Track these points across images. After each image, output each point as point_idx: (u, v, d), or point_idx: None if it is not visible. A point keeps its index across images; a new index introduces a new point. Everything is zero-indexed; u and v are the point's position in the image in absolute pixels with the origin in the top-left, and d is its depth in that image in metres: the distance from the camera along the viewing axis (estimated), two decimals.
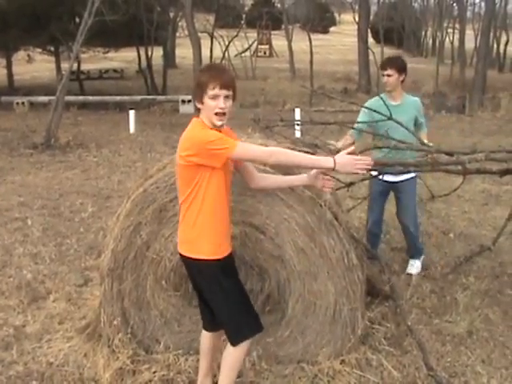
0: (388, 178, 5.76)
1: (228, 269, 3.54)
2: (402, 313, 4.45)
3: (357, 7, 32.55)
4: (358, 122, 5.72)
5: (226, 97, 3.28)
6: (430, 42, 61.22)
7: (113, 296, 4.33)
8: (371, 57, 26.97)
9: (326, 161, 3.36)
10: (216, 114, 3.27)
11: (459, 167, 4.98)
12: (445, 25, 44.90)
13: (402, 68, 5.70)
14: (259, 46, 44.72)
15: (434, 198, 5.32)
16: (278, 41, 47.76)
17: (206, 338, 3.84)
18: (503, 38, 42.81)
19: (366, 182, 6.04)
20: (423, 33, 62.30)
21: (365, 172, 3.53)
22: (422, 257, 6.31)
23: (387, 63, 5.73)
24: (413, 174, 5.91)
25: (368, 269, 4.60)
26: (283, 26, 42.50)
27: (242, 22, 41.76)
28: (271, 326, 4.24)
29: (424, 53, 58.97)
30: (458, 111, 21.24)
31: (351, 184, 5.13)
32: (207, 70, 3.38)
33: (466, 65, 35.59)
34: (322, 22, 53.28)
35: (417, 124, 5.86)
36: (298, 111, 15.79)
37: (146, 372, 4.16)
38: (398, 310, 4.67)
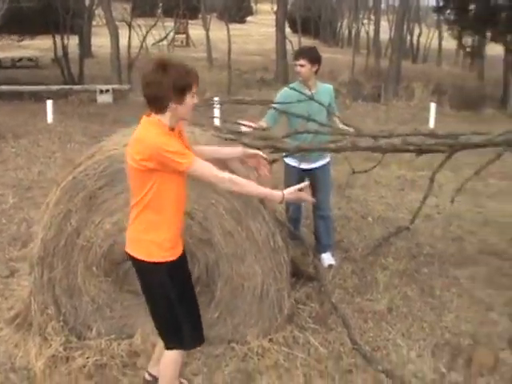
0: (303, 165, 5.86)
1: (176, 272, 3.46)
2: (327, 292, 4.63)
3: None
4: (276, 103, 5.82)
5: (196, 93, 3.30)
6: (346, 32, 62.22)
7: (43, 284, 4.33)
8: (288, 46, 27.26)
9: (275, 194, 3.48)
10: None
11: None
12: (360, 16, 45.78)
13: (314, 58, 5.78)
14: (176, 36, 44.27)
15: (354, 173, 5.45)
16: (195, 30, 47.61)
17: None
18: (416, 30, 44.10)
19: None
20: (339, 23, 63.25)
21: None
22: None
23: (300, 54, 5.82)
24: (327, 160, 6.10)
25: (292, 251, 4.76)
26: (200, 16, 42.42)
27: (159, 11, 41.26)
28: (201, 308, 4.30)
29: (340, 43, 59.91)
30: (374, 100, 21.80)
31: (274, 161, 5.30)
32: (187, 69, 3.28)
33: (381, 55, 36.43)
34: (239, 11, 53.36)
35: (329, 110, 5.91)
36: (216, 99, 15.88)
37: (79, 358, 4.19)
38: (322, 289, 4.87)
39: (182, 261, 3.54)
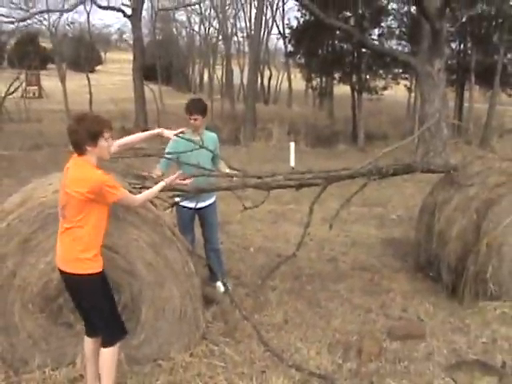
0: (192, 204, 6.45)
1: (105, 279, 4.28)
2: (238, 307, 5.35)
3: (122, 45, 33.10)
4: (169, 153, 6.43)
5: (111, 136, 4.15)
6: (198, 78, 63.59)
7: None
8: (147, 94, 27.77)
9: (160, 185, 4.68)
10: (108, 151, 4.16)
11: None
12: (211, 62, 47.15)
13: (205, 111, 6.54)
14: (28, 87, 43.40)
15: (246, 209, 6.28)
16: (46, 81, 47.03)
17: (87, 343, 4.45)
18: (266, 73, 45.95)
19: None
20: (191, 69, 64.46)
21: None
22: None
23: (193, 109, 6.44)
24: (214, 200, 6.80)
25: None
26: (49, 66, 41.99)
27: (5, 62, 40.43)
28: (129, 332, 4.90)
29: (193, 89, 61.08)
30: (234, 143, 22.82)
31: (176, 204, 6.06)
32: (98, 119, 4.10)
33: (235, 99, 37.82)
34: (89, 60, 53.27)
35: (214, 156, 6.60)
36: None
37: None
38: (234, 304, 5.56)
39: (103, 274, 4.29)
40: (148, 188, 5.27)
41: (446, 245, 6.49)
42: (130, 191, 4.72)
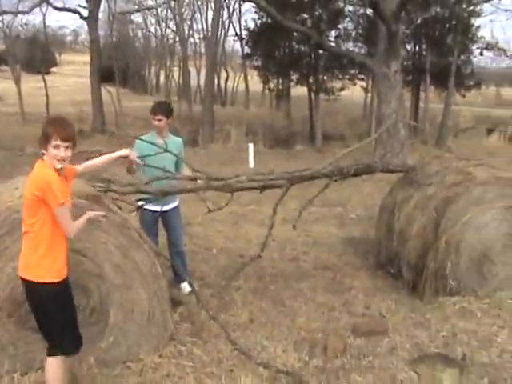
0: (156, 207, 6.50)
1: (62, 291, 4.14)
2: (205, 307, 5.41)
3: (77, 46, 32.77)
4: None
5: (67, 147, 3.91)
6: (154, 80, 63.33)
7: None
8: (105, 96, 27.61)
9: (83, 218, 4.19)
10: (57, 159, 3.92)
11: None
12: (168, 63, 46.95)
13: (170, 112, 6.64)
14: None
15: (210, 211, 6.38)
16: None
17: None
18: (223, 75, 46.02)
19: None
20: (147, 71, 64.19)
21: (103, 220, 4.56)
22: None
23: (157, 109, 6.54)
24: (177, 203, 6.86)
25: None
26: (2, 68, 41.35)
27: None
28: (98, 334, 4.95)
29: (149, 90, 60.83)
30: (192, 145, 22.82)
31: (140, 207, 6.12)
32: (52, 122, 3.99)
33: (192, 101, 37.78)
34: (44, 62, 52.63)
35: (178, 159, 6.66)
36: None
37: None
38: (200, 305, 5.62)
39: (66, 283, 4.18)
40: (114, 192, 5.38)
41: (406, 242, 6.66)
42: (96, 195, 4.78)
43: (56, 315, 4.11)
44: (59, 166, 3.94)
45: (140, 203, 6.33)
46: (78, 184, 4.88)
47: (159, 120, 6.49)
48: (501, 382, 4.79)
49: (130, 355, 5.04)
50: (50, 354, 4.20)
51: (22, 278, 4.08)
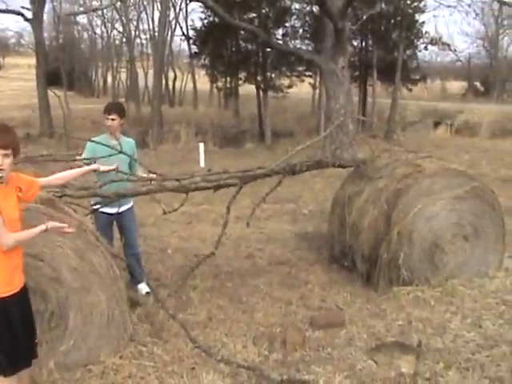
0: (110, 210, 6.52)
1: (11, 307, 3.85)
2: (164, 307, 5.44)
3: (21, 49, 32.22)
4: (86, 158, 6.30)
5: (5, 155, 3.64)
6: (101, 82, 62.66)
7: None
8: (52, 99, 27.18)
9: (39, 228, 3.89)
10: None
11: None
12: (115, 65, 46.55)
13: (123, 112, 6.67)
14: None
15: (165, 213, 6.43)
16: None
17: None
18: (171, 75, 45.78)
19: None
20: (94, 73, 63.44)
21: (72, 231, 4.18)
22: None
23: (111, 109, 6.54)
24: (131, 204, 6.86)
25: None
26: None
27: None
28: (57, 338, 4.93)
29: (96, 93, 60.16)
30: (141, 146, 22.69)
31: (95, 210, 6.13)
32: None
33: (140, 102, 37.57)
34: None
35: (131, 160, 6.66)
36: None
37: None
38: (159, 304, 5.64)
39: (16, 299, 3.89)
40: (69, 196, 5.37)
41: (358, 235, 6.80)
42: (51, 199, 4.76)
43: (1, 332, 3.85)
44: None
45: (95, 206, 6.32)
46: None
47: (113, 120, 6.47)
48: (455, 365, 4.94)
49: (91, 358, 5.03)
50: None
51: None
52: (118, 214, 6.64)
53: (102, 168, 5.39)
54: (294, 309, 6.25)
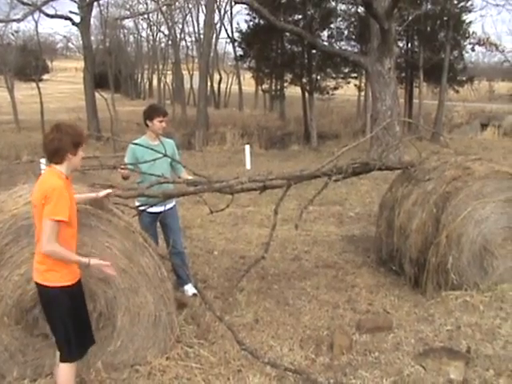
0: (154, 209, 6.52)
1: (74, 294, 4.24)
2: (212, 309, 5.43)
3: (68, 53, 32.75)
4: (131, 163, 6.50)
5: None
6: (147, 84, 63.34)
7: None
8: (98, 102, 27.60)
9: (83, 260, 4.20)
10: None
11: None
12: (160, 67, 47.01)
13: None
14: None
15: (212, 212, 6.47)
16: None
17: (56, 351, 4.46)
18: (216, 77, 46.03)
19: None
20: (139, 76, 64.19)
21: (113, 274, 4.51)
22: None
23: (165, 112, 6.68)
24: (174, 203, 6.89)
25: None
26: None
27: None
28: (105, 339, 4.98)
29: (142, 95, 60.83)
30: (187, 148, 22.89)
31: (142, 211, 6.19)
32: (76, 130, 4.16)
33: (186, 104, 37.83)
34: (36, 70, 52.63)
35: (173, 161, 6.71)
36: (43, 161, 16.15)
37: None
38: (206, 306, 5.66)
39: (77, 286, 4.29)
40: (118, 196, 5.43)
41: (406, 238, 6.70)
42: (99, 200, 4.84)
43: (67, 320, 4.18)
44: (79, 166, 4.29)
45: (140, 207, 6.38)
46: (81, 190, 4.92)
47: (166, 122, 6.63)
48: (506, 372, 4.83)
49: (138, 358, 5.08)
50: (63, 359, 4.27)
51: (35, 282, 4.18)
52: (161, 213, 6.64)
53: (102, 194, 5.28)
54: (341, 312, 6.20)
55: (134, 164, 6.43)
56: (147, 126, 6.59)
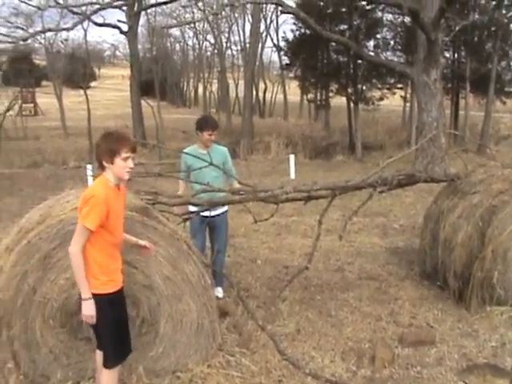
0: (205, 213, 6.71)
1: (115, 302, 4.27)
2: (254, 318, 5.47)
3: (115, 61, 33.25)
4: (184, 171, 6.84)
5: (133, 158, 4.15)
6: (193, 92, 63.84)
7: (2, 342, 4.78)
8: (144, 109, 27.93)
9: (87, 291, 4.07)
10: (127, 171, 4.13)
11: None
12: (206, 75, 47.38)
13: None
14: (23, 105, 43.08)
15: (256, 222, 6.52)
16: (40, 99, 47.22)
17: (97, 355, 4.51)
18: (261, 86, 46.16)
19: None
20: (185, 84, 64.75)
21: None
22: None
23: (215, 125, 6.85)
24: (226, 209, 7.06)
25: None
26: (43, 83, 42.13)
27: None
28: (147, 345, 5.05)
29: (187, 103, 61.31)
30: (232, 156, 22.91)
31: (187, 220, 6.26)
32: (118, 137, 4.14)
33: (231, 112, 38.01)
34: (84, 77, 53.55)
35: (225, 168, 6.89)
36: (89, 167, 16.42)
37: None
38: (249, 315, 5.68)
39: (118, 295, 4.30)
40: (163, 204, 5.51)
41: (451, 252, 6.63)
42: (145, 207, 4.90)
43: (107, 327, 4.22)
44: (127, 177, 4.18)
45: (192, 209, 6.50)
46: (127, 197, 5.00)
47: (214, 135, 6.81)
48: None
49: (179, 365, 5.12)
50: (105, 364, 4.32)
51: None
52: (213, 216, 6.86)
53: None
54: (383, 325, 6.15)
55: (185, 171, 6.78)
56: (197, 134, 6.80)
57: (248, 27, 36.97)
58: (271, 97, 49.83)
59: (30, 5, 25.69)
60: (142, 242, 4.74)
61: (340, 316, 6.43)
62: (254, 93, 40.46)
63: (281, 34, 59.01)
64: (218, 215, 6.94)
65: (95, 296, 4.11)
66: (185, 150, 6.92)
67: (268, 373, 5.12)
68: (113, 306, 4.22)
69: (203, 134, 6.72)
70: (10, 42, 22.68)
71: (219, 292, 6.95)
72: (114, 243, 4.22)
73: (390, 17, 27.36)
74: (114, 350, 4.30)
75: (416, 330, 5.96)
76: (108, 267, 4.18)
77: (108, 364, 4.31)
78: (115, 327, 4.28)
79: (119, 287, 4.31)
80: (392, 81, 27.85)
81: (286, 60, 32.89)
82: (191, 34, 59.30)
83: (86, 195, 3.98)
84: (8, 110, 27.22)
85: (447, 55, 27.61)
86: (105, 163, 4.11)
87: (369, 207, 11.20)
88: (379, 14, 26.52)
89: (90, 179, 15.20)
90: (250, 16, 36.39)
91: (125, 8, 26.46)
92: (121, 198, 4.28)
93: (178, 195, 6.26)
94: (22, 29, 25.19)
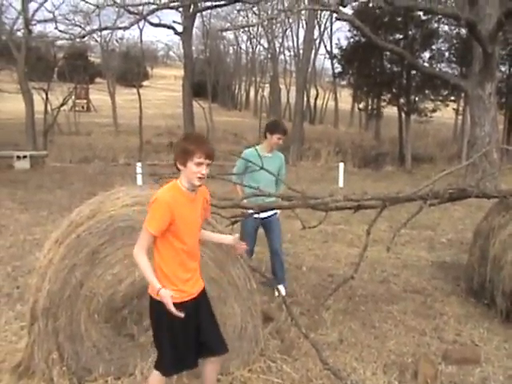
0: (262, 214, 6.87)
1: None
2: (297, 324, 5.44)
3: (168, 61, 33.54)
4: (245, 159, 6.92)
5: (208, 164, 3.90)
6: (244, 96, 64.09)
7: (48, 333, 4.87)
8: (195, 110, 28.14)
9: (155, 284, 3.86)
10: (198, 177, 3.89)
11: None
12: (258, 79, 47.53)
13: None
14: (77, 101, 43.74)
15: (304, 228, 6.52)
16: (93, 95, 48.02)
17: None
18: (312, 92, 46.09)
19: None
20: (237, 87, 65.05)
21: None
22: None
23: (285, 131, 7.10)
24: (276, 210, 7.17)
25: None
26: (97, 80, 42.81)
27: (54, 75, 41.02)
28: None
29: (238, 106, 61.57)
30: None
31: (235, 222, 6.30)
32: (194, 139, 3.95)
33: (281, 117, 38.06)
34: (137, 76, 54.28)
35: (280, 174, 7.14)
36: (139, 164, 16.64)
37: None
38: (293, 322, 5.67)
39: (180, 306, 3.97)
40: (213, 206, 5.51)
41: (500, 270, 6.51)
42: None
43: (163, 334, 4.08)
44: (198, 183, 3.94)
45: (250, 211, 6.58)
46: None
47: (283, 139, 7.06)
48: None
49: (221, 368, 5.13)
50: (155, 366, 4.23)
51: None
52: (265, 218, 7.05)
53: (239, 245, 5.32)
54: (427, 340, 6.07)
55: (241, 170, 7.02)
56: (266, 137, 7.03)
57: (302, 33, 37.00)
58: (322, 104, 49.74)
59: (88, 3, 26.14)
60: (226, 240, 4.61)
61: (383, 328, 6.37)
62: (306, 99, 40.43)
63: (334, 42, 58.72)
64: (270, 216, 7.18)
65: (155, 300, 3.95)
66: (245, 151, 7.14)
67: (308, 381, 5.10)
68: (170, 316, 3.91)
69: (272, 138, 6.95)
70: (67, 39, 23.14)
71: (283, 290, 7.10)
72: (184, 250, 4.02)
73: (445, 28, 27.14)
74: (163, 358, 4.15)
75: (460, 348, 5.87)
76: (176, 276, 4.01)
77: (157, 368, 4.19)
78: (169, 337, 4.07)
79: (187, 298, 4.08)
80: (445, 93, 27.51)
81: (338, 68, 32.80)
82: (245, 37, 59.47)
83: (152, 199, 3.87)
84: (62, 104, 27.71)
85: (502, 69, 27.19)
86: (178, 165, 3.95)
87: (417, 220, 11.03)
88: (435, 24, 26.29)
89: (139, 177, 15.39)
90: (304, 22, 36.44)
91: (180, 9, 26.71)
92: (195, 203, 4.07)
93: (227, 198, 6.29)
94: (80, 26, 25.64)
